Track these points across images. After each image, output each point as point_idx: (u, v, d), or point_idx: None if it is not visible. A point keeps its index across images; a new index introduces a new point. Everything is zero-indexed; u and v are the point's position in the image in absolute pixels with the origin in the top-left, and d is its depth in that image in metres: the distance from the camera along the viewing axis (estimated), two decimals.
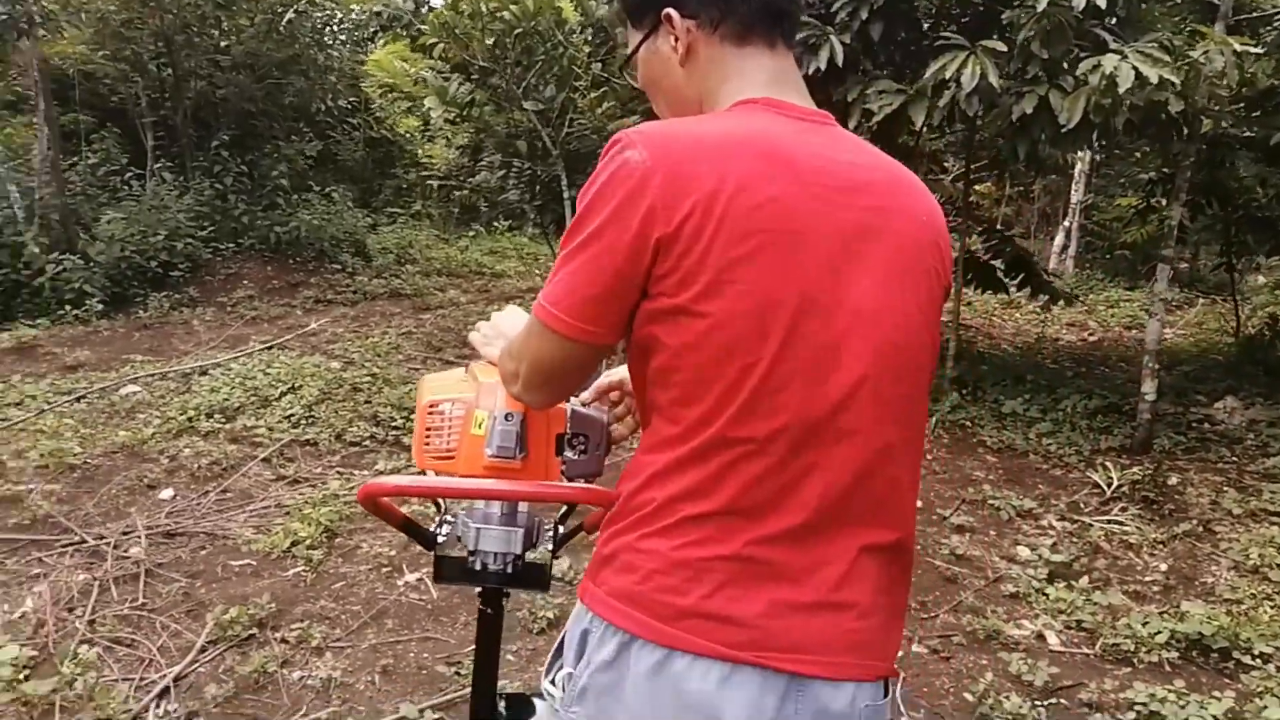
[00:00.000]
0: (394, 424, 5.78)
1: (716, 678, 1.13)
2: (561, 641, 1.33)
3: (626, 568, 1.19)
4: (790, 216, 1.15)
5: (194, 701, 3.14)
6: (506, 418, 1.52)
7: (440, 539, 1.68)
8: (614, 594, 1.18)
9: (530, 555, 1.65)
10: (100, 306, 7.93)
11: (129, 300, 8.29)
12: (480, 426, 1.55)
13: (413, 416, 5.81)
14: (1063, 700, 3.28)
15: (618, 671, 1.16)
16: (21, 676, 3.04)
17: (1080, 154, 9.98)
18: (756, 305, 1.13)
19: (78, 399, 6.05)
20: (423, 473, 1.62)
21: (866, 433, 1.19)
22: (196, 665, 3.34)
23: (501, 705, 1.80)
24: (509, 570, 1.64)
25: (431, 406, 1.58)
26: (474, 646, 1.77)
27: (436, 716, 3.05)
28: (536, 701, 1.76)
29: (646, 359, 1.22)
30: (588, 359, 1.27)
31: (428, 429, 1.58)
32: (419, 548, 4.37)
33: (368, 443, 5.56)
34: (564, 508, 1.80)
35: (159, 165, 9.43)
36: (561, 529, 1.76)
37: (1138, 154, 8.59)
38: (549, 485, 1.52)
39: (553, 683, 1.30)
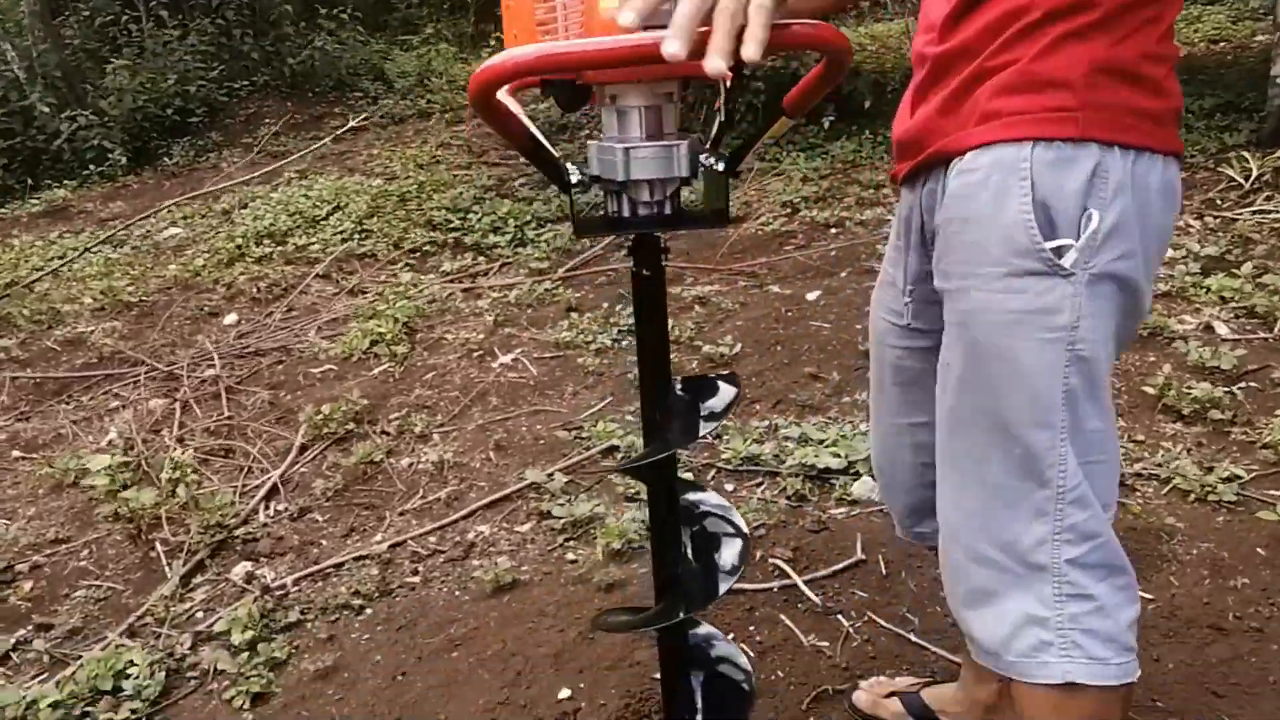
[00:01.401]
0: (451, 226, 5.41)
1: (1176, 168, 1.15)
2: (1032, 209, 1.09)
3: (1140, 82, 1.08)
4: None
5: (304, 498, 2.92)
6: None
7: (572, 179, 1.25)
8: (1128, 112, 1.08)
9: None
10: (124, 161, 7.54)
11: (152, 153, 7.88)
12: None
13: (470, 215, 5.36)
14: (1253, 383, 2.92)
15: (1135, 192, 1.09)
16: (118, 487, 2.82)
17: None
18: None
19: (120, 245, 5.75)
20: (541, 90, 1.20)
21: None
22: (298, 466, 3.11)
23: (679, 388, 1.47)
24: (668, 209, 1.23)
25: None
26: (633, 329, 1.39)
27: (566, 479, 2.79)
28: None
29: None
30: None
31: (541, 26, 1.11)
32: (508, 330, 4.10)
33: (428, 247, 5.21)
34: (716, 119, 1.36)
35: (153, 4, 8.80)
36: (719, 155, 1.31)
37: None
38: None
39: (1056, 253, 1.09)
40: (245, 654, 2.18)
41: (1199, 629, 1.99)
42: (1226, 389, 2.86)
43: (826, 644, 1.98)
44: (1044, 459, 1.12)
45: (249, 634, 2.23)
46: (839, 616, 2.09)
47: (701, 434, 1.49)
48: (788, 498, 2.57)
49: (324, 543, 2.70)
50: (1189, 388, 2.85)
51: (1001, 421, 1.14)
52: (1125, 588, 1.16)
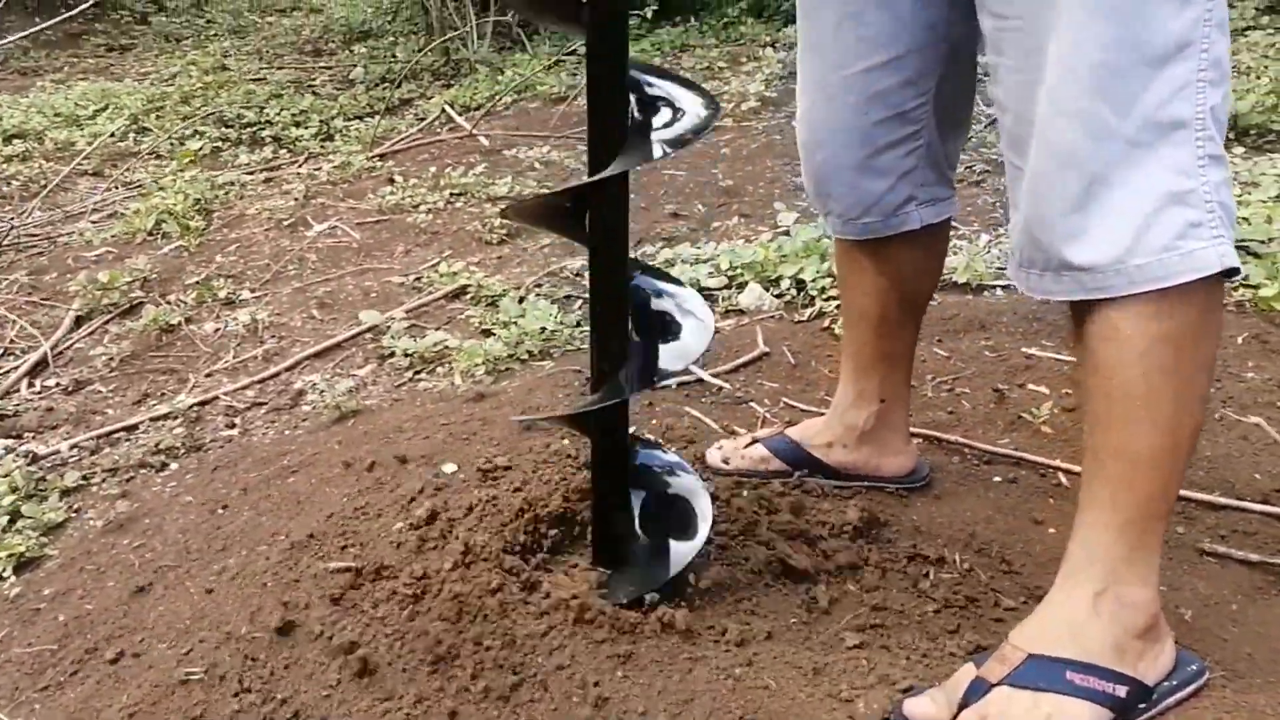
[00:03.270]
0: (246, 122, 4.78)
1: None
2: None
3: None
4: None
5: (81, 369, 2.38)
6: None
7: None
8: None
9: None
10: None
11: None
12: None
13: (266, 110, 4.82)
14: None
15: None
16: None
17: None
18: None
19: None
20: None
21: None
22: (72, 340, 2.55)
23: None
24: None
25: None
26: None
27: (409, 323, 2.38)
28: None
29: None
30: None
31: None
32: (321, 200, 3.61)
33: (220, 144, 4.58)
34: None
35: None
36: None
37: None
38: None
39: None
40: (4, 521, 1.69)
41: None
42: None
43: (743, 429, 1.70)
44: None
45: (8, 501, 1.73)
46: (752, 404, 1.81)
47: (659, 154, 1.19)
48: None
49: (110, 411, 2.19)
50: None
51: None
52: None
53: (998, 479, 1.52)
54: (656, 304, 1.26)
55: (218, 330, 2.54)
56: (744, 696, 0.98)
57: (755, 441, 1.51)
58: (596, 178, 1.12)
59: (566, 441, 1.51)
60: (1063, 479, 1.51)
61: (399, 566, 1.21)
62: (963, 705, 0.95)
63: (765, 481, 1.45)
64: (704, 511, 1.20)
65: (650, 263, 2.55)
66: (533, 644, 1.09)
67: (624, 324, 1.20)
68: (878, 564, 1.26)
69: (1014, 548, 1.32)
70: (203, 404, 2.14)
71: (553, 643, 1.08)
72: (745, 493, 1.40)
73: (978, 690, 0.95)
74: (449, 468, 1.42)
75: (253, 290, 2.77)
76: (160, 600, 1.34)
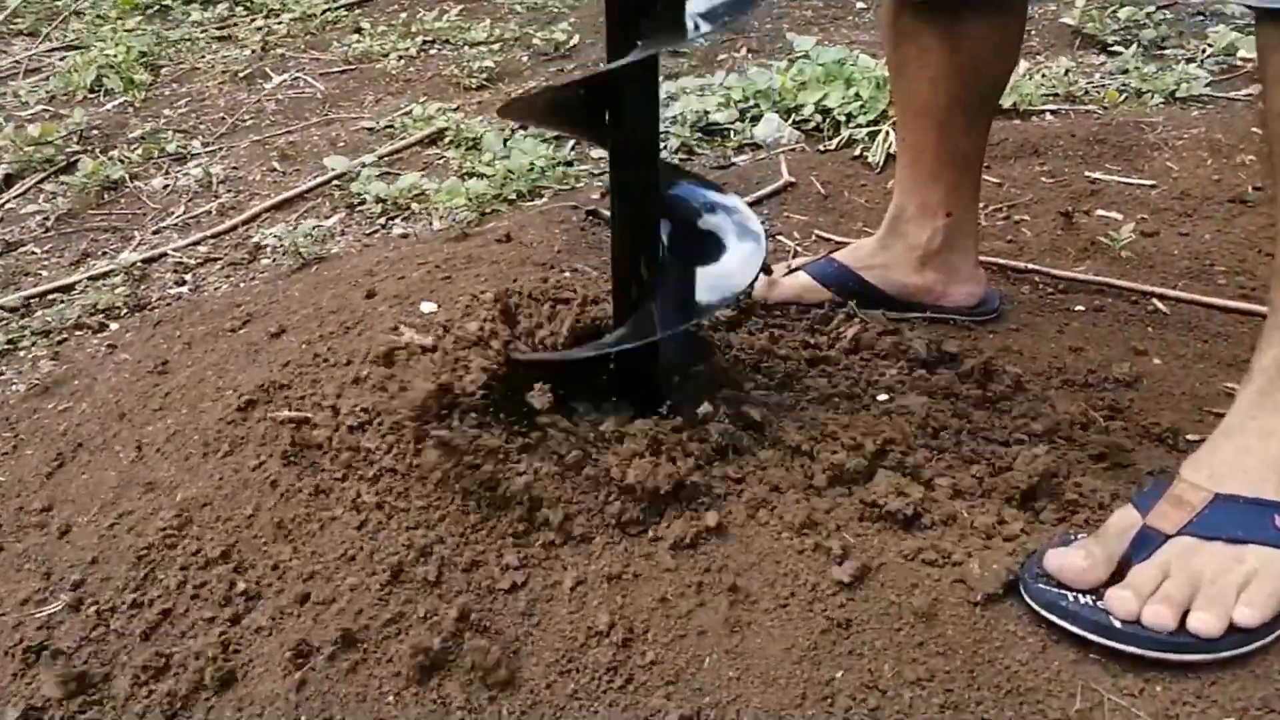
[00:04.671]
0: None
1: None
2: None
3: None
4: None
5: (12, 229, 2.11)
6: None
7: None
8: None
9: None
10: None
11: None
12: None
13: None
14: (1170, 13, 2.56)
15: None
16: None
17: None
18: None
19: None
20: None
21: None
22: (3, 201, 2.27)
23: None
24: None
25: None
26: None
27: (379, 171, 2.11)
28: None
29: None
30: None
31: None
32: (281, 51, 3.27)
33: (169, 1, 4.17)
34: None
35: None
36: None
37: None
38: None
39: None
40: None
41: (1218, 204, 1.59)
42: (1149, 11, 2.48)
43: (772, 265, 1.45)
44: None
45: None
46: (780, 237, 1.56)
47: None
48: (672, 153, 2.00)
49: (44, 273, 1.93)
50: (1111, 16, 2.45)
51: None
52: None
53: (1080, 308, 1.29)
54: (698, 220, 1.00)
55: (166, 186, 2.26)
56: (827, 555, 0.77)
57: (797, 269, 1.27)
58: (617, 64, 0.85)
59: (569, 274, 1.27)
60: (1159, 305, 1.28)
61: (368, 416, 0.98)
62: (1125, 560, 0.73)
63: (809, 313, 1.22)
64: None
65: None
66: (537, 499, 0.86)
67: (654, 244, 0.94)
68: (955, 404, 1.03)
69: (1115, 382, 1.10)
70: (149, 261, 1.89)
71: (558, 492, 0.86)
72: (790, 326, 1.17)
73: (1150, 541, 0.73)
74: (428, 306, 1.17)
75: (205, 144, 2.47)
76: (85, 468, 1.11)
